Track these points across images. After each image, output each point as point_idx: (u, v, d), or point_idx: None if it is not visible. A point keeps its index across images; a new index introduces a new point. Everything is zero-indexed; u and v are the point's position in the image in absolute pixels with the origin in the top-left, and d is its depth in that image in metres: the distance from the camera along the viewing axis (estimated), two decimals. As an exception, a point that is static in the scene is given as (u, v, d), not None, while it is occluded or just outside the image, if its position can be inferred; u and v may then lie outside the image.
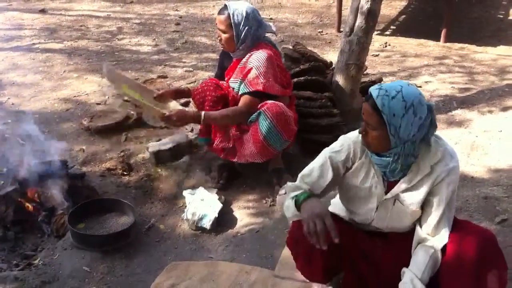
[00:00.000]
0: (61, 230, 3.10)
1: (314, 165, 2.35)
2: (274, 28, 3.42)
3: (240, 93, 3.29)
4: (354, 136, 2.30)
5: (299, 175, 2.37)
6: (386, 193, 2.27)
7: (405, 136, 2.09)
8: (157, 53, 5.83)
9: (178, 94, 3.63)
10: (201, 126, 3.49)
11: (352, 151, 2.29)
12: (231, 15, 3.24)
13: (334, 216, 2.44)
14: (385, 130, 2.08)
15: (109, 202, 3.28)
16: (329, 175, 2.29)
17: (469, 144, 3.93)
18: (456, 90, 4.85)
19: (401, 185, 2.23)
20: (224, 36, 3.29)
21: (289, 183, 2.38)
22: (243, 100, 3.27)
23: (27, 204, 3.19)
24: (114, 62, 5.50)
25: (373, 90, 2.10)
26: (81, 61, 5.54)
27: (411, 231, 2.30)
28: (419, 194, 2.22)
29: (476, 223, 2.42)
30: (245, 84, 3.25)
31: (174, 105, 3.46)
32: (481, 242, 2.12)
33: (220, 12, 3.31)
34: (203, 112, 3.24)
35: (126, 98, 3.67)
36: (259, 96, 3.23)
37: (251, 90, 3.23)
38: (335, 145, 2.34)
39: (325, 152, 2.34)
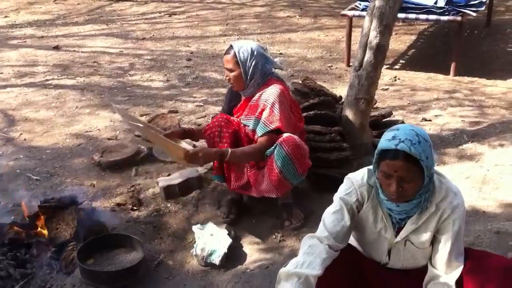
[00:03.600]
0: (70, 266, 3.09)
1: (326, 215, 2.32)
2: (281, 64, 3.45)
3: (259, 134, 3.28)
4: (359, 178, 2.29)
5: (313, 235, 2.31)
6: (396, 235, 2.27)
7: (432, 171, 2.12)
8: (168, 88, 5.89)
9: (185, 134, 3.60)
10: (215, 163, 3.44)
11: (359, 194, 2.27)
12: (237, 53, 3.28)
13: (355, 249, 2.45)
14: (422, 176, 2.08)
15: (118, 238, 3.28)
16: (347, 217, 2.27)
17: (481, 178, 3.90)
18: (467, 124, 4.84)
19: (409, 226, 2.23)
20: (232, 74, 3.32)
21: (289, 265, 2.28)
22: (262, 140, 3.27)
23: (37, 239, 3.21)
24: (125, 98, 5.56)
25: (398, 145, 2.04)
26: (93, 97, 5.61)
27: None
28: (427, 233, 2.22)
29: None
30: (263, 124, 3.25)
31: (185, 146, 3.39)
32: (501, 272, 2.13)
33: (226, 52, 3.35)
34: (229, 149, 3.21)
35: (139, 134, 3.60)
36: (276, 132, 3.25)
37: (270, 128, 3.23)
38: (342, 188, 2.33)
39: (336, 196, 2.33)
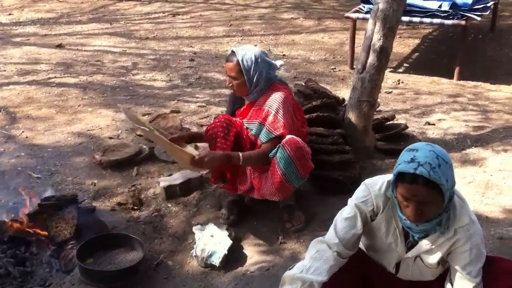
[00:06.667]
0: (69, 265, 3.08)
1: (339, 220, 2.28)
2: (279, 65, 3.39)
3: (263, 140, 3.26)
4: (376, 188, 2.22)
5: (322, 240, 2.29)
6: (407, 251, 2.24)
7: (452, 191, 2.06)
8: (171, 88, 5.87)
9: (191, 138, 3.60)
10: (213, 173, 3.44)
11: (375, 205, 2.22)
12: (240, 61, 3.22)
13: (363, 253, 2.42)
14: (442, 198, 2.02)
15: (118, 237, 3.26)
16: (359, 225, 2.23)
17: (484, 183, 3.88)
18: (470, 128, 4.82)
19: (423, 246, 2.20)
20: (235, 82, 3.27)
21: (295, 268, 2.26)
22: (266, 146, 3.24)
23: (36, 237, 3.19)
24: (128, 97, 5.54)
25: (417, 169, 1.95)
26: (96, 96, 5.60)
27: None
28: (438, 255, 2.19)
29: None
30: (267, 130, 3.23)
31: (190, 151, 3.37)
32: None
33: (228, 59, 3.29)
34: (240, 154, 3.19)
35: (143, 134, 3.59)
36: (280, 138, 3.22)
37: (274, 135, 3.21)
38: (359, 194, 2.26)
39: (351, 202, 2.28)
